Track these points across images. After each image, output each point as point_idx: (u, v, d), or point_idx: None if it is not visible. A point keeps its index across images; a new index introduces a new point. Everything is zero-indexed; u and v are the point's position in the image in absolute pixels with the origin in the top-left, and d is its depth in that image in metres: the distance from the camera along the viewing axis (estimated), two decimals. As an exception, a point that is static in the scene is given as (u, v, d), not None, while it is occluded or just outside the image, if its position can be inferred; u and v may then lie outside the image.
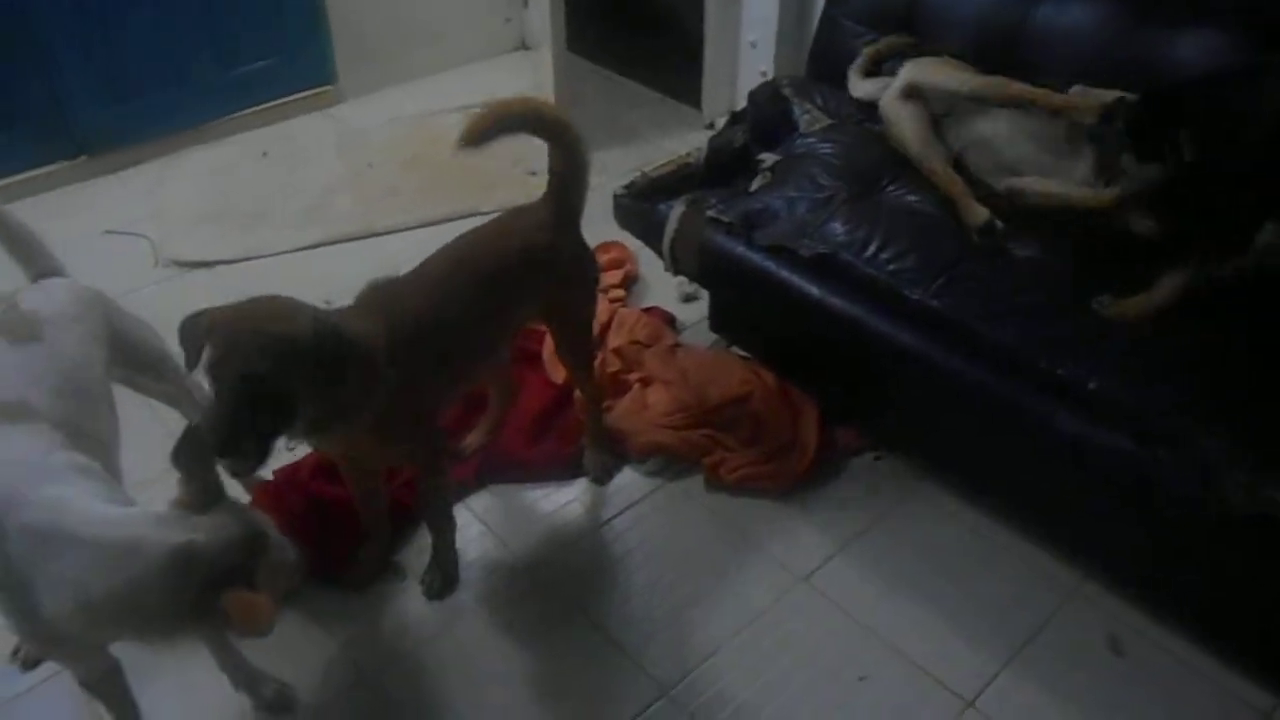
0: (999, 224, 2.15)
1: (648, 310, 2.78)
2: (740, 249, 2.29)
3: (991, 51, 2.39)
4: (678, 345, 2.65)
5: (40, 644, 1.59)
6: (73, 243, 3.08)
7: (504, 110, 1.94)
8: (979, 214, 2.17)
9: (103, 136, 3.41)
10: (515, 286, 1.96)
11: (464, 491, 2.27)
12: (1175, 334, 1.88)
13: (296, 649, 1.94)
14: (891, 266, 2.10)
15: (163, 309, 2.84)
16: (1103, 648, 1.95)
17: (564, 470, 2.35)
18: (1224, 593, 1.82)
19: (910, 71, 2.37)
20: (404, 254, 3.11)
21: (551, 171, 2.06)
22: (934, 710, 1.85)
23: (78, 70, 3.30)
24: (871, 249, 2.14)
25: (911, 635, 1.97)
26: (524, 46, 4.36)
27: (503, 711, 1.86)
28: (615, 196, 2.56)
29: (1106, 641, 1.96)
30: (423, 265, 1.92)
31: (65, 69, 3.28)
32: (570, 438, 2.41)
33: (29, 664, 1.90)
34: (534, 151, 3.55)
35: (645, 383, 2.53)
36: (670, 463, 2.35)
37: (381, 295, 1.80)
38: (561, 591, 2.08)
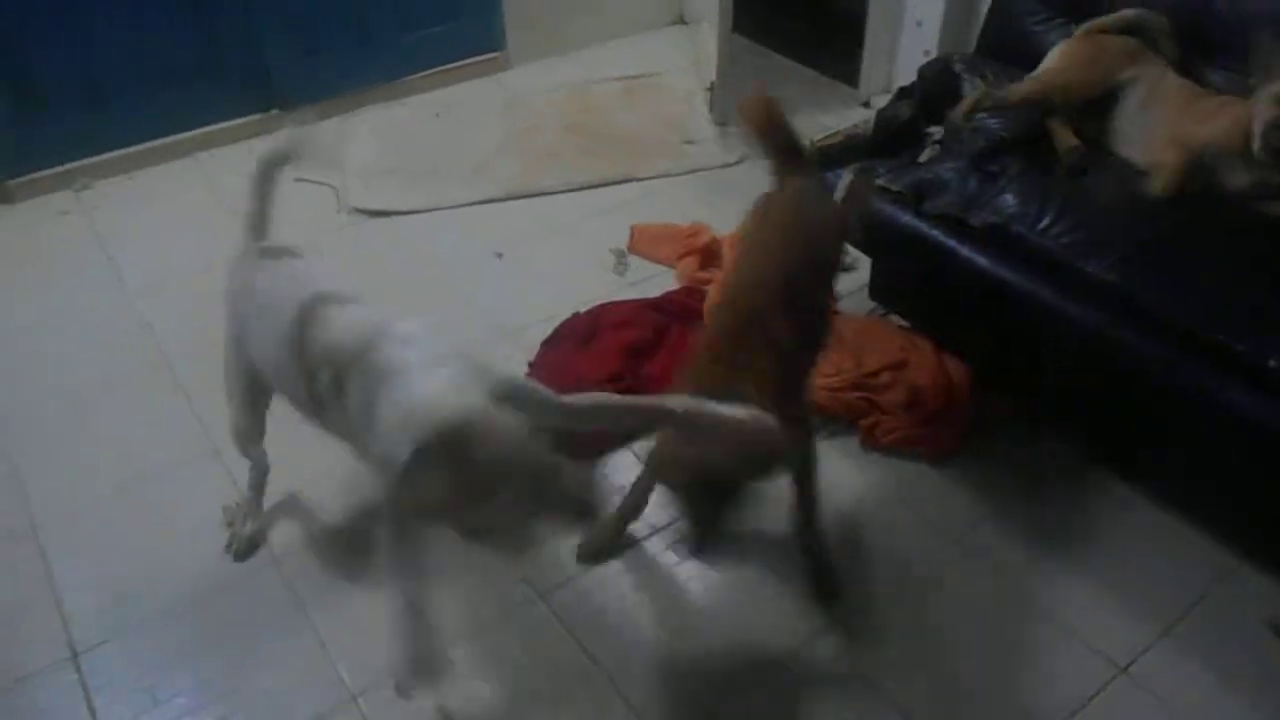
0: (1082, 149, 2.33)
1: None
2: (908, 217, 2.34)
3: (1180, 31, 2.38)
4: (836, 312, 2.71)
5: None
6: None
7: None
8: (1067, 140, 2.33)
9: (293, 91, 3.64)
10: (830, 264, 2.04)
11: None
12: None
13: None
14: (1065, 239, 2.12)
15: (345, 252, 3.09)
16: (1261, 628, 1.95)
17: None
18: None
19: None
20: (566, 212, 3.28)
21: None
22: (1089, 674, 1.88)
23: (275, 27, 3.54)
24: (1045, 221, 2.16)
25: (1069, 602, 2.01)
26: (682, 20, 4.45)
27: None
28: (784, 163, 2.62)
29: (1269, 624, 1.96)
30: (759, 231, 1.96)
31: (264, 26, 3.52)
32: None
33: (241, 555, 2.11)
34: (691, 121, 3.72)
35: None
36: (826, 423, 2.42)
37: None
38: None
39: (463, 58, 3.98)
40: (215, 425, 2.39)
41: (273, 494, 2.20)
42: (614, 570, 2.09)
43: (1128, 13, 2.46)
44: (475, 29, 3.98)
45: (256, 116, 3.63)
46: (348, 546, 2.14)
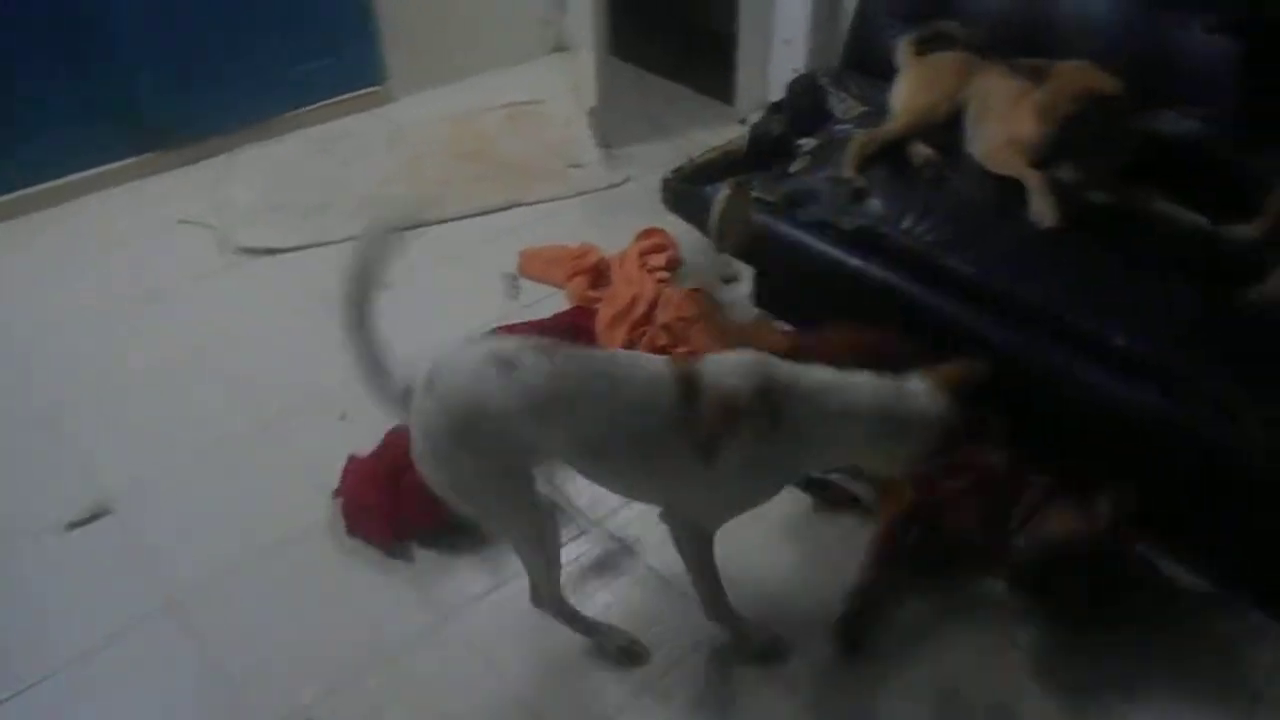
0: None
1: (692, 290, 2.94)
2: (784, 225, 2.45)
3: (1017, 41, 2.54)
4: (722, 320, 2.80)
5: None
6: (145, 234, 3.34)
7: None
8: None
9: (171, 131, 3.59)
10: None
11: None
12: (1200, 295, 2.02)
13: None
14: (929, 236, 2.26)
15: (231, 293, 3.06)
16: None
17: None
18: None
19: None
20: (455, 241, 3.31)
21: None
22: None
23: (147, 67, 3.48)
24: (908, 220, 2.29)
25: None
26: (562, 48, 4.53)
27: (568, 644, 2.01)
28: (664, 180, 2.73)
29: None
30: None
31: (136, 66, 3.45)
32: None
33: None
34: (575, 145, 3.79)
35: (693, 355, 2.68)
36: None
37: None
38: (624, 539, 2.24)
39: (345, 91, 3.98)
40: (105, 472, 2.37)
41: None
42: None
43: (936, 24, 2.66)
44: (355, 63, 3.98)
45: (134, 159, 3.56)
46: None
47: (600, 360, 1.73)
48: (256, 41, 3.70)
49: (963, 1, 2.71)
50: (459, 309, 2.93)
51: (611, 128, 3.82)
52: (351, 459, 2.31)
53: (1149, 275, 2.05)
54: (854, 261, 2.33)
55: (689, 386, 1.66)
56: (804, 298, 2.67)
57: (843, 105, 2.78)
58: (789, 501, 2.22)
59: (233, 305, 3.02)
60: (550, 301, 2.98)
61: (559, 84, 4.25)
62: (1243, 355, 1.88)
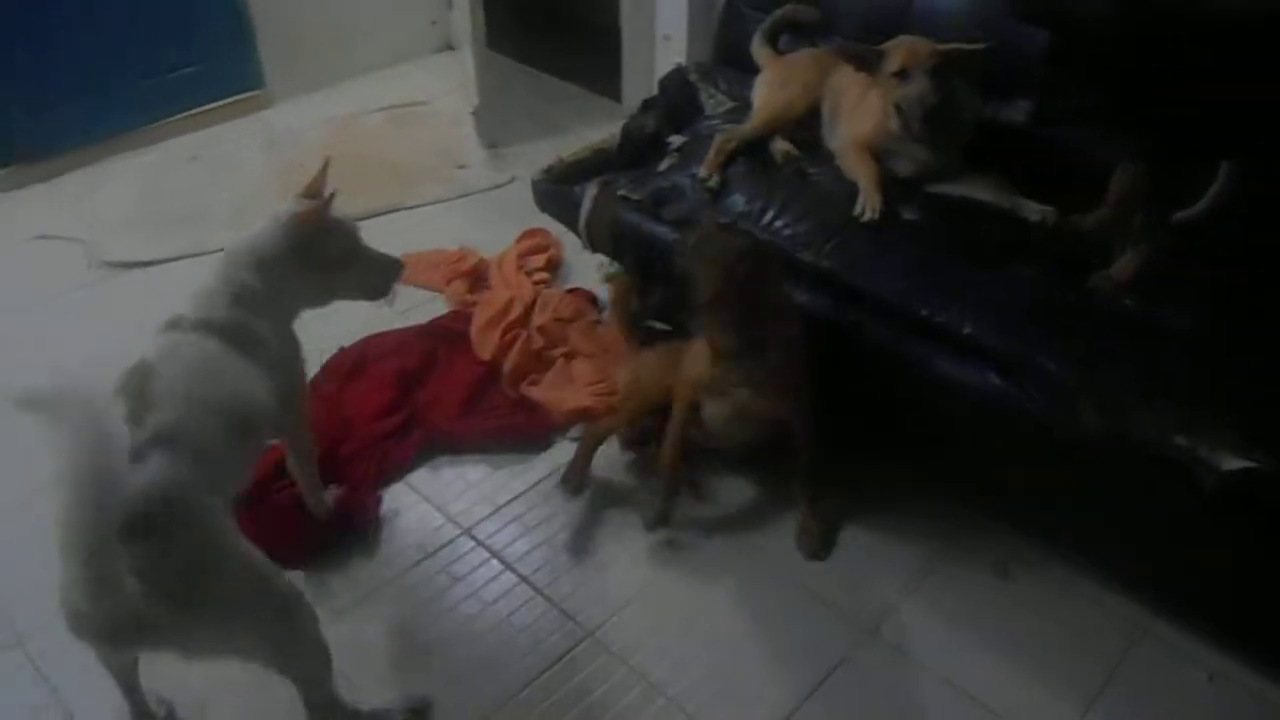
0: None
1: (571, 291, 2.91)
2: (649, 224, 2.43)
3: (878, 33, 2.55)
4: (599, 322, 2.78)
5: None
6: (4, 248, 3.20)
7: None
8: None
9: (31, 145, 3.47)
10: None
11: (402, 470, 2.39)
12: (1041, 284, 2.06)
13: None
14: (787, 232, 2.26)
15: (97, 310, 2.95)
16: (990, 573, 2.12)
17: (494, 442, 2.46)
18: (1091, 515, 1.99)
19: None
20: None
21: None
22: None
23: (3, 80, 3.35)
24: (768, 217, 2.30)
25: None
26: (449, 47, 4.47)
27: (435, 654, 1.97)
28: (533, 181, 2.70)
29: (995, 568, 2.13)
30: None
31: (-5, 77, 3.33)
32: (498, 413, 2.53)
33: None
34: (461, 145, 3.74)
35: (569, 357, 2.66)
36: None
37: None
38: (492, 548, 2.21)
39: (220, 98, 3.88)
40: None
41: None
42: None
43: (776, 13, 2.71)
44: (230, 68, 3.88)
45: (-4, 174, 3.43)
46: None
47: None
48: (125, 49, 3.59)
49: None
50: (336, 317, 2.84)
51: (498, 127, 3.77)
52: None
53: (995, 265, 2.08)
54: (717, 258, 2.32)
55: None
56: (674, 294, 2.65)
57: (712, 101, 2.78)
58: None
59: (101, 320, 2.91)
60: (429, 306, 2.93)
61: (446, 83, 4.18)
62: (1080, 340, 1.90)
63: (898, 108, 2.21)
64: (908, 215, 2.25)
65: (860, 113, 2.35)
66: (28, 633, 2.00)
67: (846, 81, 2.43)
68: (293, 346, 1.92)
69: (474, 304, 2.85)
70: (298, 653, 1.62)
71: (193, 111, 3.81)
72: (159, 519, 1.40)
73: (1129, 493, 1.87)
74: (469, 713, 1.86)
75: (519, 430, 2.47)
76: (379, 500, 2.29)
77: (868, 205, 2.23)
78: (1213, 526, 1.76)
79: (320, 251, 1.87)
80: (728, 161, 2.47)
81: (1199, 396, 1.76)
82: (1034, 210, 2.16)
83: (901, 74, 2.19)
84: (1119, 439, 1.77)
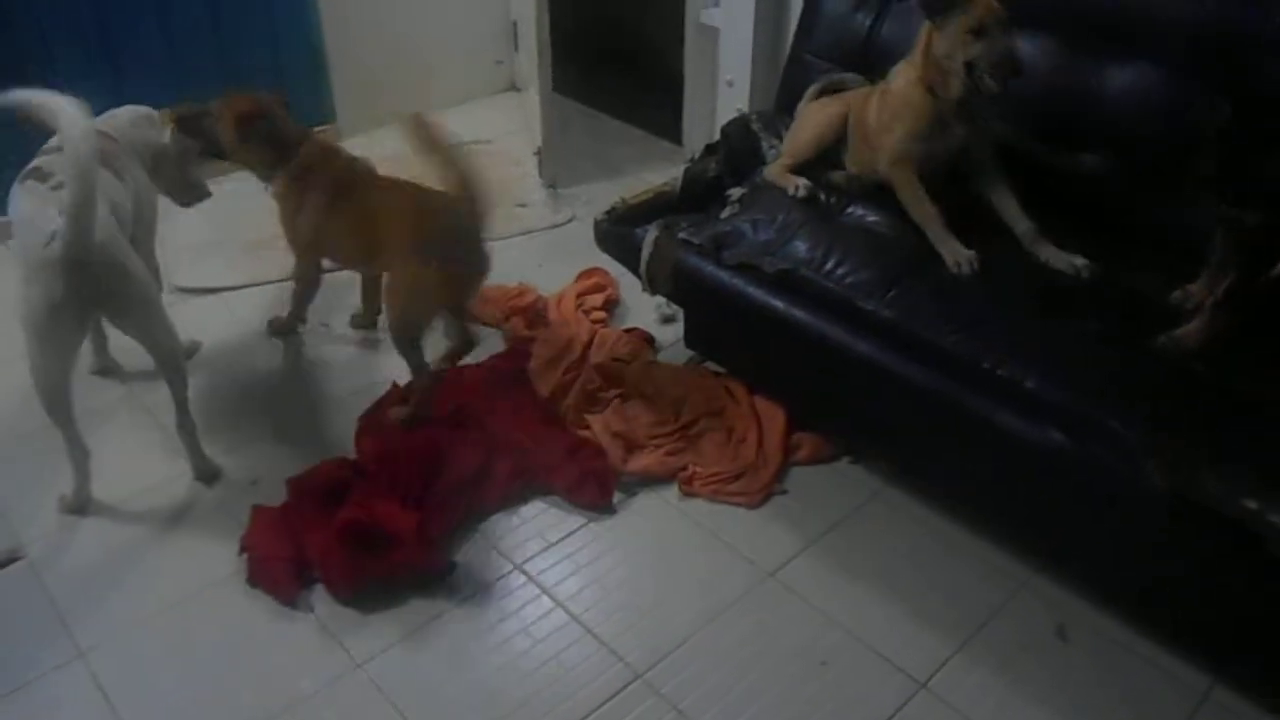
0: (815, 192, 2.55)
1: (628, 331, 2.94)
2: (710, 268, 2.45)
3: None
4: (654, 363, 2.80)
5: None
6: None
7: None
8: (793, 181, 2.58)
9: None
10: None
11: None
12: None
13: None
14: (849, 280, 2.26)
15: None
16: (1050, 635, 2.08)
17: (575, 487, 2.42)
18: (1156, 577, 1.95)
19: None
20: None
21: None
22: (890, 691, 1.97)
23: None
24: (830, 264, 2.30)
25: (870, 623, 2.10)
26: (514, 88, 4.56)
27: (484, 690, 1.98)
28: (596, 221, 2.73)
29: (1055, 630, 2.09)
30: None
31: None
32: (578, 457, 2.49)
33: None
34: (522, 184, 3.80)
35: (624, 397, 2.67)
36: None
37: None
38: (543, 585, 2.22)
39: (293, 131, 3.98)
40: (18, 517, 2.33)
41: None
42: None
43: (824, 78, 2.77)
44: (303, 102, 3.96)
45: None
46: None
47: None
48: (200, 76, 3.69)
49: (888, 44, 2.73)
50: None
51: (559, 167, 3.84)
52: (257, 510, 2.30)
53: (1057, 320, 2.07)
54: (778, 304, 2.33)
55: None
56: (731, 339, 2.67)
57: (774, 151, 2.80)
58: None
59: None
60: (487, 343, 2.96)
61: (510, 123, 4.27)
62: (1147, 401, 1.88)
63: (969, 66, 2.21)
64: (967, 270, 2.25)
65: (881, 125, 2.42)
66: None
67: (860, 101, 2.53)
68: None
69: (531, 340, 2.89)
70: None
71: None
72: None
73: (1195, 557, 1.83)
74: (517, 750, 1.87)
75: (600, 478, 2.43)
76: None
77: (951, 259, 2.26)
78: (1281, 595, 1.72)
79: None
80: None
81: (1272, 463, 1.73)
82: (1065, 262, 2.19)
83: (979, 31, 2.19)
84: (1187, 499, 1.74)
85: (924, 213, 2.33)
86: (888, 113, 2.42)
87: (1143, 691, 1.97)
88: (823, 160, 2.63)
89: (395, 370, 2.70)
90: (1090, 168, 2.35)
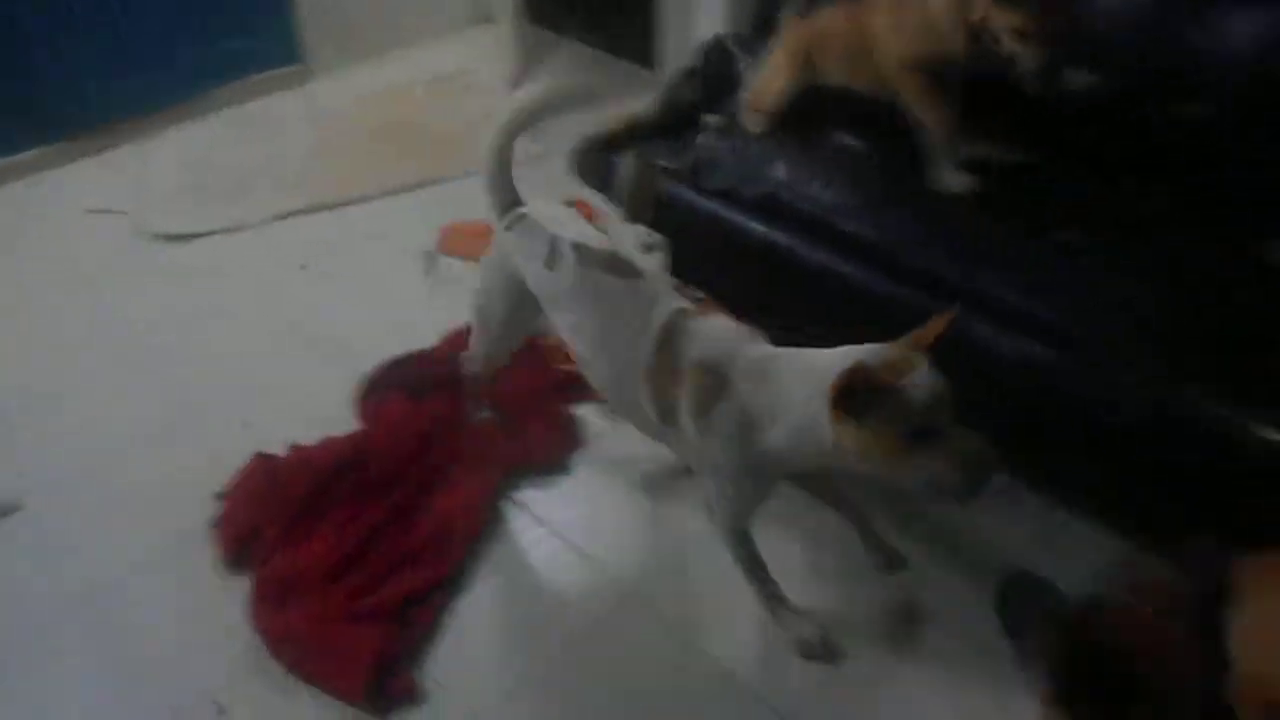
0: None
1: (610, 261, 2.92)
2: (689, 194, 2.44)
3: None
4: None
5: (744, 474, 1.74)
6: (54, 223, 3.28)
7: None
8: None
9: (80, 120, 3.53)
10: None
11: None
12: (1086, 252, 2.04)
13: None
14: (831, 202, 2.25)
15: (146, 278, 3.02)
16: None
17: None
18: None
19: None
20: (377, 218, 3.27)
21: None
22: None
23: (55, 56, 3.41)
24: (811, 187, 2.29)
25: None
26: (486, 19, 4.47)
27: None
28: (571, 151, 2.70)
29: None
30: None
31: (42, 55, 3.38)
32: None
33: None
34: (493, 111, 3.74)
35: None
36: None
37: None
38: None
39: (262, 71, 3.92)
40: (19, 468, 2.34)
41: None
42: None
43: None
44: (272, 42, 3.92)
45: (42, 149, 3.50)
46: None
47: (620, 284, 1.83)
48: (168, 22, 3.62)
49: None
50: (376, 286, 2.92)
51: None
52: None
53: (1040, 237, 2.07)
54: (758, 228, 2.33)
55: (666, 337, 1.72)
56: (714, 264, 2.66)
57: (750, 72, 2.75)
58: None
59: (150, 291, 2.98)
60: (470, 277, 2.95)
61: (486, 54, 4.20)
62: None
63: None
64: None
65: (902, 36, 2.21)
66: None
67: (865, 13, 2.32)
68: None
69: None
70: None
71: (237, 85, 3.86)
72: None
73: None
74: None
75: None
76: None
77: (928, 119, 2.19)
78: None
79: None
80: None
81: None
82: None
83: None
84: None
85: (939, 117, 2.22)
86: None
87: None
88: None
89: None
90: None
